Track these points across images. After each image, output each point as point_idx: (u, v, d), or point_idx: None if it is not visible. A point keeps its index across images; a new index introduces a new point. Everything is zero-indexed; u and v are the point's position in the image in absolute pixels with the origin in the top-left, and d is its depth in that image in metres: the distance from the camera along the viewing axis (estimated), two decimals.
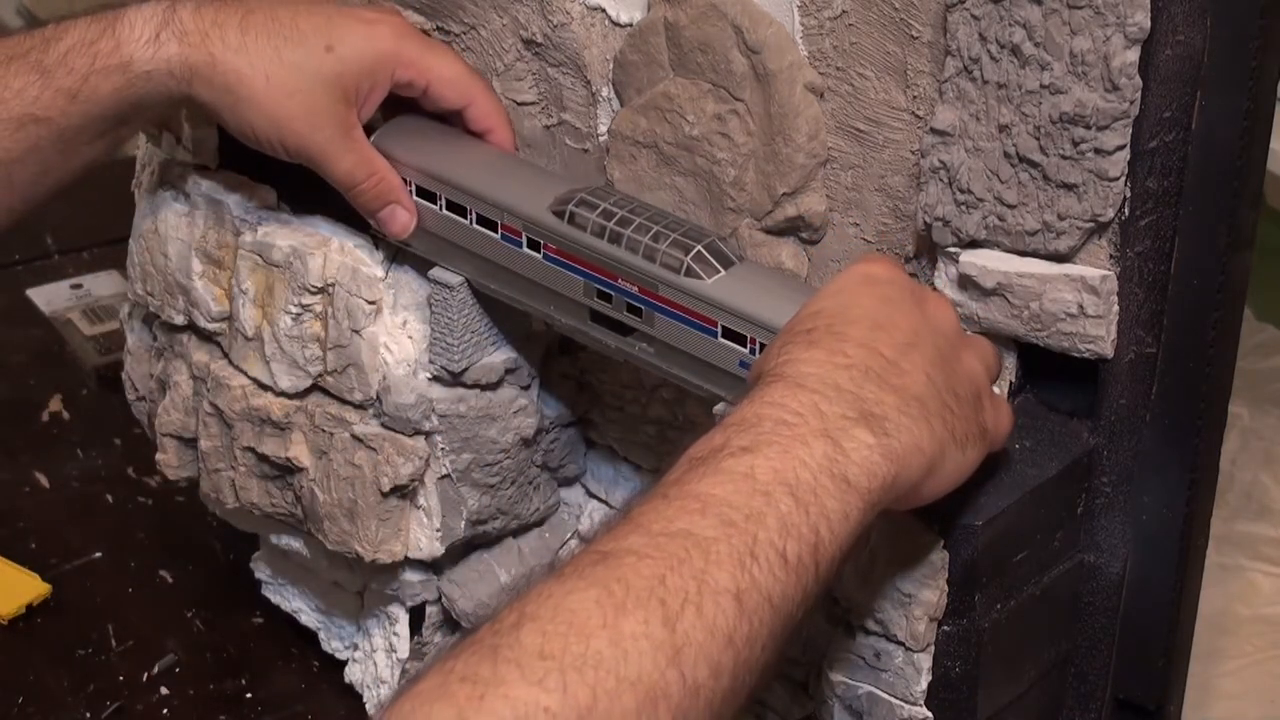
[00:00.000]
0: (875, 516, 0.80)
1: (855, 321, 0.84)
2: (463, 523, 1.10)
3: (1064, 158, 0.86)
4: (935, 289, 0.93)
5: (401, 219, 1.06)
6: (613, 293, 0.98)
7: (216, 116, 1.06)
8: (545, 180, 1.05)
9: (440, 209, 1.05)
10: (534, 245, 1.01)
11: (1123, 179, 0.86)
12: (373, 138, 1.07)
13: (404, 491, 1.09)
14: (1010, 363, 0.94)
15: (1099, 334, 0.89)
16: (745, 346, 0.93)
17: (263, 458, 1.13)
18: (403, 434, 1.08)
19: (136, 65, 1.01)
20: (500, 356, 1.08)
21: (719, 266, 0.94)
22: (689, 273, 0.94)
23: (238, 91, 1.02)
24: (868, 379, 0.81)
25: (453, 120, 1.09)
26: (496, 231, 1.03)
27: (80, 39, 1.01)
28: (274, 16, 1.02)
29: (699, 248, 0.95)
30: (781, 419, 0.79)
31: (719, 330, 0.93)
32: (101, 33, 1.01)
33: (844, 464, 0.78)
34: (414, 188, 1.06)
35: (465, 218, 1.04)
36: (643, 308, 0.97)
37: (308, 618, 1.25)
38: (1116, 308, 0.89)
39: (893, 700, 0.91)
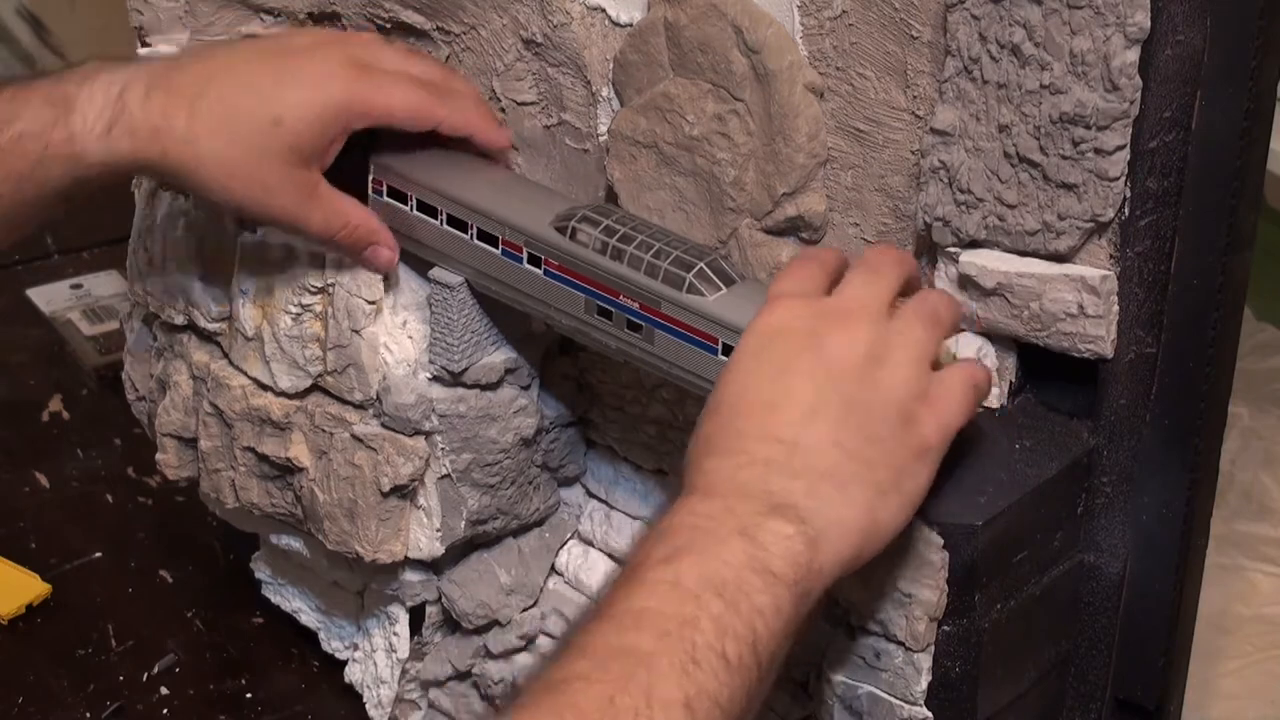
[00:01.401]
0: (821, 595, 0.81)
1: (749, 411, 0.84)
2: (463, 523, 1.11)
3: (1064, 158, 0.86)
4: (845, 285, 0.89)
5: (384, 256, 1.06)
6: (614, 309, 0.98)
7: (177, 190, 1.08)
8: (546, 196, 1.05)
9: (441, 224, 1.05)
10: (535, 261, 1.01)
11: (1123, 179, 0.86)
12: (373, 155, 1.07)
13: (404, 491, 1.09)
14: (1010, 363, 0.94)
15: (1099, 334, 0.89)
16: None
17: (263, 458, 1.13)
18: (403, 434, 1.08)
19: (89, 157, 1.01)
20: (500, 356, 1.08)
21: (721, 284, 0.95)
22: (691, 289, 0.95)
23: (193, 178, 1.03)
24: (770, 472, 0.82)
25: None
26: (497, 247, 1.03)
27: (32, 124, 1.00)
28: (221, 98, 1.01)
29: (701, 265, 0.95)
30: (696, 525, 0.80)
31: (720, 347, 0.94)
32: (54, 121, 1.00)
33: (765, 558, 0.79)
34: (415, 202, 1.06)
35: (466, 233, 1.04)
36: (643, 324, 0.97)
37: (308, 618, 1.25)
38: (1116, 308, 0.89)
39: (893, 700, 0.91)
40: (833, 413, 0.83)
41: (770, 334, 0.86)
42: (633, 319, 0.97)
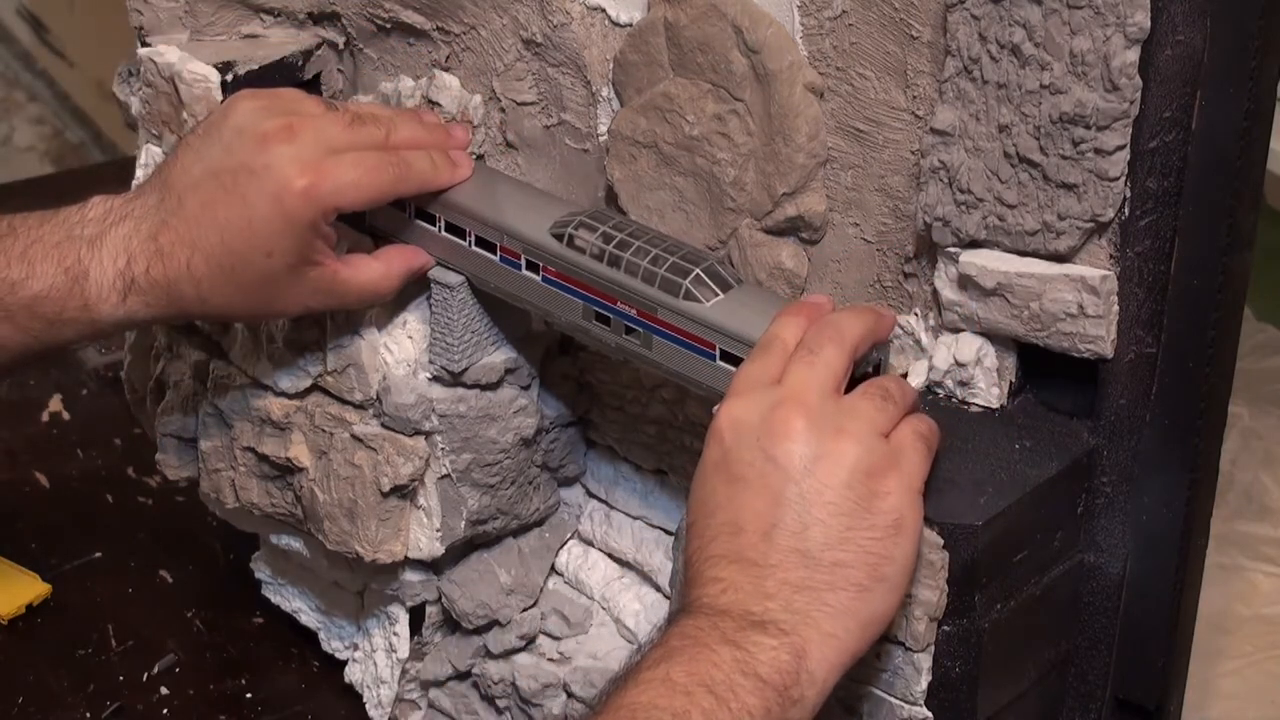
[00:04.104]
0: (820, 701, 0.83)
1: (716, 534, 0.85)
2: (463, 523, 1.11)
3: (1064, 158, 0.86)
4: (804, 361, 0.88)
5: (421, 274, 1.06)
6: (611, 315, 0.98)
7: None
8: (545, 202, 1.05)
9: (439, 230, 1.05)
10: (533, 268, 1.01)
11: (1123, 179, 0.86)
12: None
13: (404, 491, 1.09)
14: (1010, 363, 0.94)
15: (1099, 334, 0.89)
16: None
17: (263, 458, 1.13)
18: (403, 434, 1.08)
19: (104, 320, 1.03)
20: (500, 356, 1.08)
21: (717, 290, 0.95)
22: (687, 296, 0.95)
23: (223, 322, 1.12)
24: (746, 595, 0.83)
25: None
26: (495, 254, 1.03)
27: (47, 289, 1.01)
28: (211, 253, 1.01)
29: (697, 271, 0.95)
30: (685, 634, 0.83)
31: (717, 353, 0.94)
32: (69, 289, 1.01)
33: (753, 663, 0.81)
34: (413, 209, 1.06)
35: (464, 239, 1.04)
36: (641, 330, 0.97)
37: (308, 618, 1.25)
38: (1116, 308, 0.89)
39: (893, 700, 0.91)
40: (792, 523, 0.84)
41: (725, 436, 0.87)
42: (630, 325, 0.97)
